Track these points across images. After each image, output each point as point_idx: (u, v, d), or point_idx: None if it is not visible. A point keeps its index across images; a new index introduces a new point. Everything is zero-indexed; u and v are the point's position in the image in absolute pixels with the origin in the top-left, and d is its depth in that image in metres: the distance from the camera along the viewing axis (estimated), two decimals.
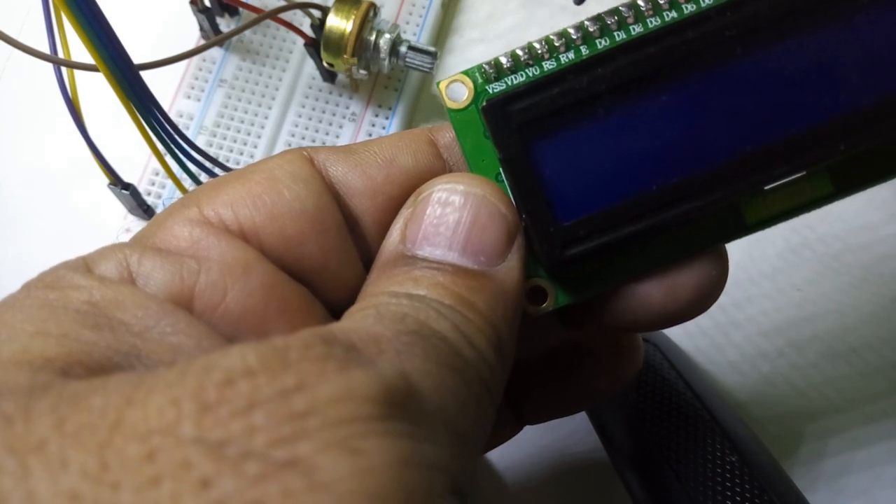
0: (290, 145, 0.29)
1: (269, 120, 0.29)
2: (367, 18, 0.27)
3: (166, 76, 0.27)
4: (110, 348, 0.12)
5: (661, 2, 0.14)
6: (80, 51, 0.21)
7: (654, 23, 0.14)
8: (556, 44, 0.15)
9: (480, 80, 0.15)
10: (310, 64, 0.30)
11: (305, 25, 0.28)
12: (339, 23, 0.26)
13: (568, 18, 0.31)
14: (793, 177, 0.14)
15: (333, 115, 0.29)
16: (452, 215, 0.14)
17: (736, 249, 0.28)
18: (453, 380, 0.12)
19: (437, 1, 0.30)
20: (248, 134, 0.29)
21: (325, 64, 0.27)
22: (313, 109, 0.30)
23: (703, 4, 0.14)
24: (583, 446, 0.26)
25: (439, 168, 0.16)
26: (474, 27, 0.32)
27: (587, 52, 0.14)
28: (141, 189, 0.28)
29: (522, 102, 0.14)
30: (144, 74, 0.22)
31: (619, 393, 0.23)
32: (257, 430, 0.09)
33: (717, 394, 0.23)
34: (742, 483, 0.20)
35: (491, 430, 0.17)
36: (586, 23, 0.14)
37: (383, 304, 0.13)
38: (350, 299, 0.14)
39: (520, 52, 0.15)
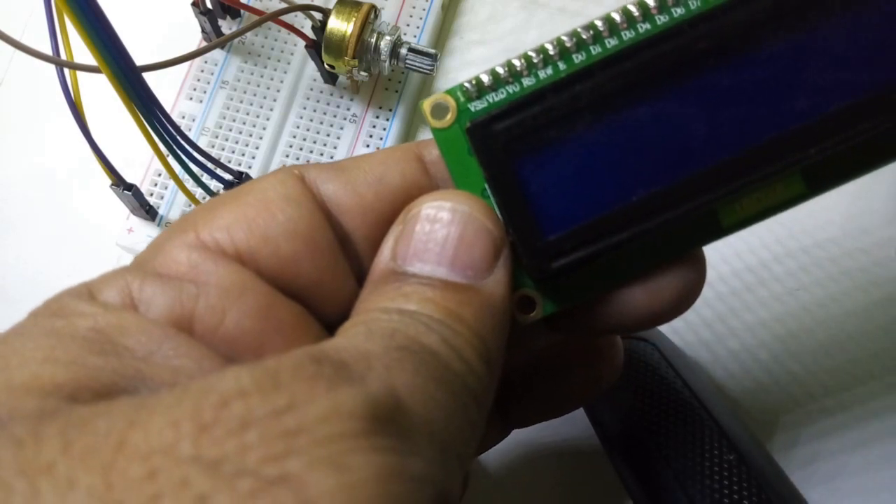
0: (291, 146, 0.29)
1: (270, 121, 0.29)
2: (368, 21, 0.27)
3: (168, 78, 0.27)
4: (116, 373, 0.12)
5: (636, 14, 0.14)
6: (82, 52, 0.21)
7: (628, 36, 0.15)
8: (535, 60, 0.15)
9: (463, 99, 0.15)
10: (311, 66, 0.30)
11: (307, 27, 0.28)
12: (340, 25, 0.27)
13: (567, 20, 0.31)
14: (767, 182, 0.14)
15: (334, 116, 0.30)
16: (441, 232, 0.14)
17: (735, 248, 0.28)
18: (441, 393, 0.12)
19: (437, 3, 0.31)
20: (250, 135, 0.29)
21: (325, 66, 0.28)
22: (314, 111, 0.30)
23: (675, 15, 0.14)
24: (581, 445, 0.26)
25: (427, 184, 0.16)
26: (474, 29, 0.32)
27: (565, 67, 0.15)
28: (143, 190, 0.28)
29: (505, 122, 0.15)
30: (147, 76, 0.22)
31: (618, 392, 0.23)
32: (250, 448, 0.10)
33: (715, 393, 0.23)
34: (740, 481, 0.20)
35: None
36: (563, 38, 0.15)
37: (374, 321, 0.13)
38: (345, 314, 0.14)
39: (500, 70, 0.15)
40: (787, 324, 0.27)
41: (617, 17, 0.14)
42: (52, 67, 0.22)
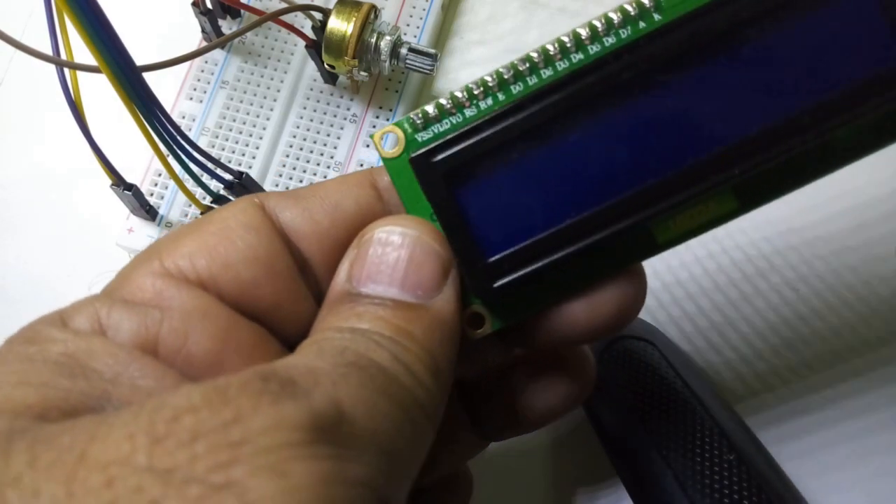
0: (291, 146, 0.29)
1: (270, 121, 0.29)
2: (368, 21, 0.27)
3: (168, 78, 0.27)
4: (83, 394, 0.13)
5: (568, 45, 0.15)
6: (82, 52, 0.21)
7: (562, 66, 0.15)
8: (476, 92, 0.16)
9: (410, 130, 0.16)
10: (311, 66, 0.30)
11: (307, 27, 0.28)
12: (340, 25, 0.27)
13: (566, 20, 0.31)
14: (692, 203, 0.15)
15: (334, 116, 0.30)
16: (392, 254, 0.15)
17: (734, 249, 0.28)
18: (386, 405, 0.13)
19: (438, 3, 0.31)
20: (250, 135, 0.29)
21: (326, 66, 0.28)
22: (314, 111, 0.30)
23: (606, 44, 0.15)
24: (580, 445, 0.26)
25: (381, 210, 0.17)
26: (474, 29, 0.32)
27: (503, 98, 0.16)
28: (143, 190, 0.28)
29: (444, 153, 0.16)
30: (147, 76, 0.22)
31: (618, 392, 0.23)
32: (199, 457, 0.11)
33: (715, 392, 0.23)
34: (739, 481, 0.20)
35: (456, 450, 0.19)
36: (501, 70, 0.16)
37: (327, 339, 0.14)
38: (304, 334, 0.15)
39: (444, 102, 0.16)
40: (787, 321, 0.27)
41: (551, 48, 0.15)
42: (52, 67, 0.22)
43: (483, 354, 0.19)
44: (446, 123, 0.16)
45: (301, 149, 0.29)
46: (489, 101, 0.16)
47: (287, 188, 0.29)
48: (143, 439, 0.11)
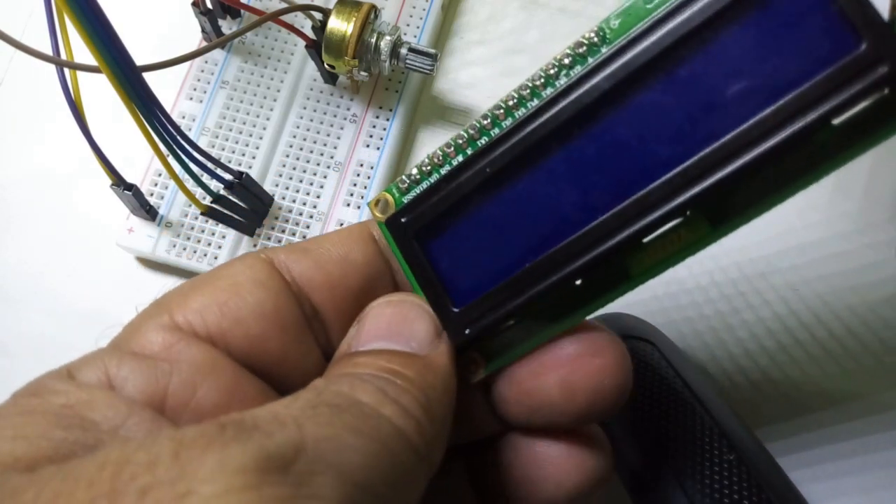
0: (291, 146, 0.29)
1: (270, 121, 0.30)
2: (368, 21, 0.27)
3: (168, 78, 0.27)
4: (77, 443, 0.13)
5: (511, 104, 0.16)
6: (82, 52, 0.21)
7: (507, 123, 0.16)
8: (447, 150, 0.17)
9: (397, 194, 0.17)
10: (311, 66, 0.30)
11: (307, 27, 0.28)
12: (340, 25, 0.27)
13: (566, 21, 0.31)
14: (654, 229, 0.15)
15: (335, 116, 0.30)
16: (386, 317, 0.17)
17: (734, 248, 0.28)
18: (356, 438, 0.13)
19: (437, 3, 0.31)
20: (250, 135, 0.29)
21: (326, 66, 0.28)
22: (314, 111, 0.30)
23: (544, 96, 0.16)
24: None
25: (383, 262, 0.18)
26: (474, 29, 0.32)
27: (471, 151, 0.16)
28: (143, 190, 0.28)
29: (410, 214, 0.17)
30: (147, 76, 0.22)
31: None
32: None
33: (715, 392, 0.23)
34: (740, 481, 0.20)
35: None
36: (468, 128, 0.16)
37: (311, 386, 0.15)
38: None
39: (426, 161, 0.17)
40: (787, 322, 0.27)
41: (500, 111, 0.16)
42: (52, 67, 0.23)
43: (478, 417, 0.19)
44: (425, 184, 0.17)
45: (301, 149, 0.29)
46: (460, 157, 0.16)
47: (287, 188, 0.29)
48: (104, 501, 0.11)
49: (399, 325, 0.16)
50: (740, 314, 0.27)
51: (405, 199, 0.17)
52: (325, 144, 0.29)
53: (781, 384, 0.26)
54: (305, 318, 0.17)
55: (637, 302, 0.28)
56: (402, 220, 0.17)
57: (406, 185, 0.17)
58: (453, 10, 0.32)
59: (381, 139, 0.29)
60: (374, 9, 0.27)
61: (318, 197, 0.29)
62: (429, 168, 0.17)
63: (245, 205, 0.27)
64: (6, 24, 0.22)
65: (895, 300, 0.27)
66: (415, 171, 0.17)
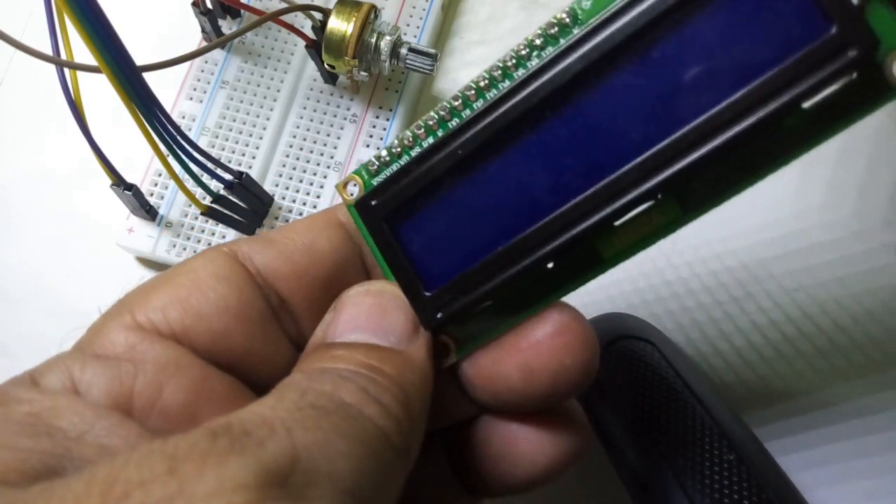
0: (291, 146, 0.29)
1: (270, 121, 0.30)
2: (368, 21, 0.27)
3: (168, 78, 0.27)
4: (45, 453, 0.13)
5: (482, 84, 0.16)
6: (82, 52, 0.21)
7: (478, 105, 0.16)
8: (417, 132, 0.16)
9: (367, 176, 0.17)
10: (311, 66, 0.30)
11: (307, 27, 0.28)
12: (340, 25, 0.27)
13: None
14: (624, 212, 0.15)
15: (334, 116, 0.30)
16: (364, 307, 0.16)
17: (734, 247, 0.28)
18: (345, 443, 0.13)
19: (437, 3, 0.31)
20: (250, 135, 0.29)
21: (326, 66, 0.28)
22: (314, 111, 0.30)
23: (516, 77, 0.15)
24: None
25: (351, 248, 0.18)
26: (474, 29, 0.32)
27: (442, 133, 0.16)
28: (143, 190, 0.28)
29: (381, 197, 0.17)
30: (147, 76, 0.22)
31: (618, 392, 0.23)
32: None
33: (715, 392, 0.23)
34: (739, 481, 0.20)
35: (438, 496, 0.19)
36: (439, 107, 0.16)
37: (292, 382, 0.14)
38: (279, 378, 0.15)
39: (395, 143, 0.17)
40: (786, 324, 0.27)
41: (471, 93, 0.16)
42: (52, 67, 0.22)
43: (451, 401, 0.19)
44: (395, 166, 0.17)
45: (301, 149, 0.29)
46: (430, 139, 0.16)
47: (287, 188, 0.29)
48: None
49: (378, 318, 0.16)
50: (743, 312, 0.27)
51: (374, 182, 0.17)
52: (325, 144, 0.29)
53: (783, 384, 0.26)
54: (272, 310, 0.17)
55: (641, 304, 0.28)
56: (372, 202, 0.17)
57: (376, 167, 0.17)
58: (453, 10, 0.32)
59: (381, 139, 0.29)
60: (374, 9, 0.27)
61: (318, 197, 0.29)
62: (399, 150, 0.17)
63: (245, 205, 0.27)
64: (6, 24, 0.22)
65: (894, 304, 0.27)
66: (384, 153, 0.17)
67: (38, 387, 0.14)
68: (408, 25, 0.31)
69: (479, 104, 0.16)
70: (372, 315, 0.16)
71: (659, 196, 0.15)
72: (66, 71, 0.23)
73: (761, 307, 0.27)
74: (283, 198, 0.29)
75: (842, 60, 0.13)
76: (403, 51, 0.28)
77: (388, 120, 0.30)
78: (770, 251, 0.28)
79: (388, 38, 0.27)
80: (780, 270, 0.27)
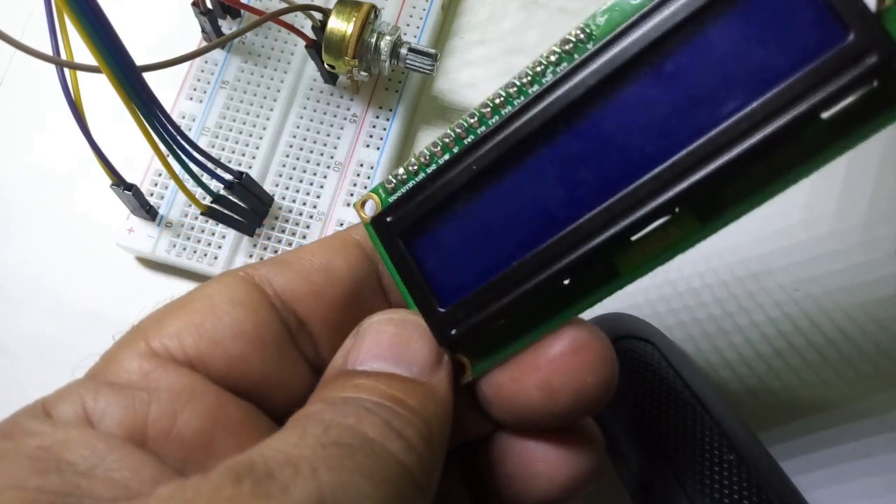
0: (291, 146, 0.29)
1: (270, 121, 0.30)
2: (368, 21, 0.27)
3: (168, 78, 0.27)
4: (54, 492, 0.12)
5: (498, 101, 0.16)
6: (82, 52, 0.21)
7: (493, 120, 0.16)
8: (434, 150, 0.16)
9: (384, 194, 0.17)
10: (311, 66, 0.30)
11: (307, 27, 0.28)
12: (340, 25, 0.27)
13: (567, 20, 0.31)
14: (642, 226, 0.15)
15: (335, 116, 0.30)
16: (387, 336, 0.16)
17: (735, 247, 0.28)
18: (370, 484, 0.12)
19: (437, 3, 0.31)
20: (250, 135, 0.29)
21: (326, 66, 0.28)
22: (314, 111, 0.30)
23: (530, 94, 0.15)
24: None
25: (368, 268, 0.18)
26: (474, 29, 0.32)
27: (458, 150, 0.16)
28: (143, 190, 0.28)
29: (396, 214, 0.17)
30: (147, 76, 0.22)
31: (618, 392, 0.23)
32: None
33: (716, 393, 0.23)
34: (740, 482, 0.20)
35: None
36: (456, 125, 0.16)
37: (314, 413, 0.14)
38: (297, 403, 0.15)
39: (412, 160, 0.17)
40: (786, 323, 0.27)
41: (487, 109, 0.16)
42: (52, 67, 0.22)
43: (467, 419, 0.18)
44: (411, 183, 0.17)
45: (301, 149, 0.29)
46: (447, 156, 0.16)
47: (287, 188, 0.29)
48: None
49: (401, 347, 0.16)
50: (743, 312, 0.27)
51: (391, 200, 0.17)
52: (325, 144, 0.29)
53: (783, 384, 0.26)
54: (290, 332, 0.17)
55: (643, 303, 0.28)
56: (388, 219, 0.17)
57: (393, 185, 0.17)
58: (453, 10, 0.32)
59: (381, 139, 0.29)
60: (374, 9, 0.27)
61: (318, 197, 0.29)
62: (416, 167, 0.17)
63: (245, 205, 0.27)
64: (6, 24, 0.22)
65: (893, 300, 0.27)
66: (402, 170, 0.17)
67: (51, 418, 0.14)
68: (408, 25, 0.31)
69: (494, 121, 0.16)
70: (394, 344, 0.16)
71: (676, 210, 0.14)
72: (66, 71, 0.23)
73: (768, 316, 0.27)
74: (283, 198, 0.29)
75: (861, 68, 0.13)
76: (403, 51, 0.28)
77: (388, 120, 0.30)
78: (778, 260, 0.28)
79: (388, 38, 0.27)
80: (788, 279, 0.27)
